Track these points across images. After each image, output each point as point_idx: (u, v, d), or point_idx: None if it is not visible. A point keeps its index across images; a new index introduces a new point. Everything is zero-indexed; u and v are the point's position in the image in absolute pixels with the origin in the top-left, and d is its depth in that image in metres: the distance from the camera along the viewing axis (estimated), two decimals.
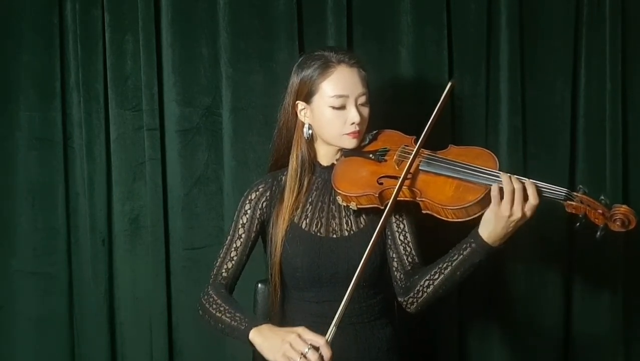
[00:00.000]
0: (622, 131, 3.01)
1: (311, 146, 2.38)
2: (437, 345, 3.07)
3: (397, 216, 2.34)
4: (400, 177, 2.15)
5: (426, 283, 2.19)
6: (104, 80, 2.98)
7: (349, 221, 2.35)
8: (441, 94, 2.26)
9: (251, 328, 2.08)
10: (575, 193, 2.03)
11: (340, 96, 2.24)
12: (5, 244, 3.05)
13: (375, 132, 2.39)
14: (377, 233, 2.09)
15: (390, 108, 2.77)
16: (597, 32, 2.99)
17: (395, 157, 2.28)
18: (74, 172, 3.05)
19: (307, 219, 2.35)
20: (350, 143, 2.30)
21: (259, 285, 2.63)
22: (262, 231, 2.41)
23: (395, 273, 2.32)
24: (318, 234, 2.34)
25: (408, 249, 2.32)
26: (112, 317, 3.09)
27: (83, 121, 2.98)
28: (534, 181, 2.06)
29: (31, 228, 3.05)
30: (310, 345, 1.97)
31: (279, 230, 2.34)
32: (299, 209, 2.36)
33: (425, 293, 2.20)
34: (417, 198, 2.16)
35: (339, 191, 2.26)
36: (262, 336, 2.06)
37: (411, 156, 2.19)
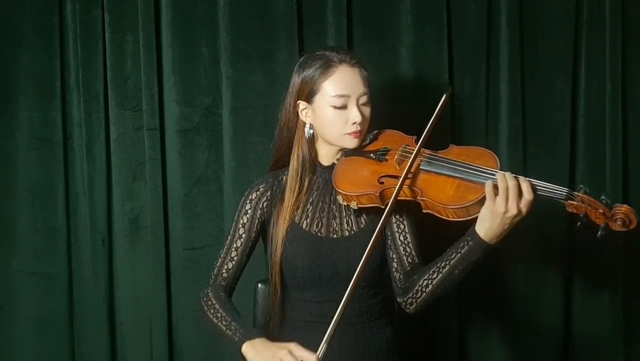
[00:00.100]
0: (622, 131, 3.01)
1: (312, 145, 2.38)
2: (437, 345, 3.06)
3: (398, 217, 2.34)
4: (401, 176, 2.15)
5: (425, 283, 2.19)
6: (104, 80, 2.98)
7: (350, 221, 2.35)
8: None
9: (244, 341, 2.10)
10: (576, 193, 2.03)
11: (342, 96, 2.24)
12: (5, 244, 3.05)
13: (376, 132, 2.39)
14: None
15: (390, 108, 2.77)
16: (597, 32, 2.99)
17: (396, 156, 2.28)
18: (74, 172, 3.06)
19: (308, 219, 2.35)
20: (352, 143, 2.30)
21: (259, 285, 2.63)
22: (262, 231, 2.41)
23: (395, 273, 2.32)
24: (319, 234, 2.34)
25: (408, 249, 2.32)
26: (112, 317, 3.09)
27: (83, 121, 2.98)
28: (534, 180, 2.06)
29: (31, 228, 3.05)
30: None
31: (279, 230, 2.34)
32: (300, 209, 2.36)
33: (424, 293, 2.20)
34: (418, 198, 2.16)
35: (339, 190, 2.25)
36: (254, 350, 2.07)
37: (412, 156, 2.19)
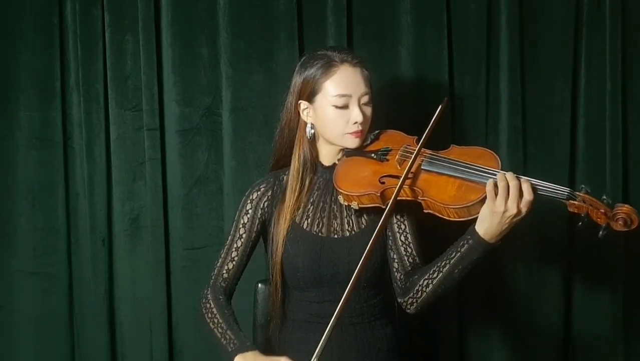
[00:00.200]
0: (622, 131, 3.01)
1: (313, 145, 2.38)
2: (437, 345, 3.07)
3: (399, 217, 2.34)
4: (402, 176, 2.15)
5: (425, 283, 2.19)
6: (104, 80, 2.98)
7: (351, 221, 2.35)
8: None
9: (237, 353, 2.12)
10: (577, 193, 2.03)
11: (343, 95, 2.24)
12: (5, 244, 3.05)
13: (377, 132, 2.39)
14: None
15: (390, 108, 2.75)
16: (597, 32, 2.99)
17: (397, 156, 2.28)
18: (74, 172, 3.05)
19: (309, 219, 2.35)
20: (353, 143, 2.30)
21: (259, 285, 2.63)
22: (263, 231, 2.41)
23: (396, 273, 2.32)
24: (319, 234, 2.34)
25: (409, 250, 2.32)
26: (112, 317, 3.08)
27: (83, 121, 2.98)
28: (536, 180, 2.06)
29: (31, 228, 3.04)
30: None
31: (280, 230, 2.34)
32: (301, 209, 2.36)
33: (425, 293, 2.20)
34: (419, 197, 2.16)
35: (340, 190, 2.25)
36: None
37: (413, 156, 2.19)
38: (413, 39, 2.96)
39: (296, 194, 2.35)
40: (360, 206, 2.24)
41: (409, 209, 2.31)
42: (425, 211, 2.17)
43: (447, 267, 2.15)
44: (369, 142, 2.36)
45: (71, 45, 2.98)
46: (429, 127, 2.23)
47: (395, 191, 2.13)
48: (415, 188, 2.18)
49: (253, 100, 2.96)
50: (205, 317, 2.28)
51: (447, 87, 2.96)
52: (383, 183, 2.22)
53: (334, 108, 2.26)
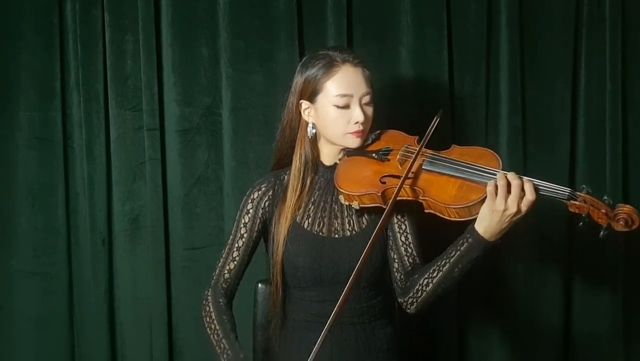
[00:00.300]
0: (622, 131, 3.01)
1: (314, 145, 2.38)
2: (437, 344, 3.07)
3: (399, 217, 2.34)
4: (403, 176, 2.15)
5: (425, 282, 2.20)
6: (104, 80, 2.98)
7: (351, 221, 2.35)
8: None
9: None
10: (578, 193, 2.03)
11: (345, 95, 2.25)
12: (5, 244, 3.05)
13: (378, 132, 2.39)
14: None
15: (390, 108, 2.75)
16: (597, 32, 2.99)
17: (398, 156, 2.28)
18: (74, 172, 3.05)
19: (309, 219, 2.35)
20: (354, 142, 2.30)
21: (259, 285, 2.62)
22: (264, 230, 2.41)
23: (396, 273, 2.32)
24: (320, 233, 2.34)
25: (409, 250, 2.33)
26: (112, 317, 3.08)
27: (83, 121, 2.98)
28: (537, 180, 2.06)
29: (31, 228, 3.04)
30: None
31: (281, 229, 2.33)
32: (301, 209, 2.36)
33: (425, 292, 2.20)
34: (420, 197, 2.16)
35: (341, 190, 2.26)
36: None
37: (414, 156, 2.19)
38: (413, 39, 2.96)
39: (297, 193, 2.35)
40: (361, 205, 2.24)
41: (410, 209, 2.31)
42: (426, 211, 2.17)
43: (447, 266, 2.15)
44: (370, 142, 2.36)
45: (71, 45, 2.98)
46: (428, 129, 2.25)
47: (396, 191, 2.13)
48: (416, 188, 2.18)
49: (253, 100, 2.96)
50: (204, 320, 2.30)
51: (447, 87, 2.96)
52: (384, 182, 2.22)
53: (335, 108, 2.26)
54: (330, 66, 2.26)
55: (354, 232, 2.34)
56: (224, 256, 2.39)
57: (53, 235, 3.06)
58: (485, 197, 2.04)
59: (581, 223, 2.01)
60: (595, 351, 3.10)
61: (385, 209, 2.15)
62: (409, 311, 2.28)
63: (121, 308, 3.08)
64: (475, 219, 2.09)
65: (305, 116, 2.34)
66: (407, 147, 2.30)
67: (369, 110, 2.30)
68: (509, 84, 2.96)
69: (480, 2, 2.97)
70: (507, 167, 2.14)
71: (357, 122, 2.26)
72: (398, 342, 2.43)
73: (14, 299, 3.07)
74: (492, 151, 2.24)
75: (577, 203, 2.02)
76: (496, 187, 2.03)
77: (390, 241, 2.35)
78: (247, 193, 2.42)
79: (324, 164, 2.40)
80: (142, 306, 3.06)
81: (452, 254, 2.14)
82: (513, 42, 2.96)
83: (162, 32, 2.96)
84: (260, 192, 2.40)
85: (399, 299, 2.30)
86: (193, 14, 2.96)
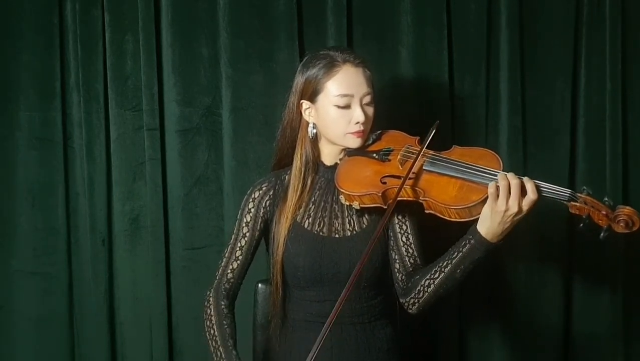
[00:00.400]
0: (622, 131, 3.01)
1: (315, 145, 2.38)
2: (437, 344, 3.07)
3: (400, 217, 2.34)
4: (403, 176, 2.15)
5: (427, 283, 2.20)
6: (104, 80, 2.98)
7: (352, 221, 2.35)
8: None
9: None
10: (579, 194, 2.03)
11: (345, 95, 2.25)
12: (5, 244, 3.05)
13: (379, 132, 2.39)
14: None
15: (390, 108, 2.75)
16: (597, 32, 2.99)
17: (398, 157, 2.28)
18: (74, 172, 3.05)
19: (310, 219, 2.35)
20: (355, 142, 2.30)
21: (260, 285, 2.63)
22: (266, 229, 2.41)
23: (397, 274, 2.33)
24: (320, 233, 2.34)
25: (410, 250, 2.33)
26: (112, 317, 3.08)
27: (83, 121, 2.98)
28: (537, 181, 2.06)
29: (31, 228, 3.04)
30: None
31: (281, 229, 2.34)
32: (302, 209, 2.36)
33: (426, 293, 2.21)
34: (421, 198, 2.16)
35: (342, 190, 2.26)
36: None
37: (415, 156, 2.19)
38: (413, 39, 2.96)
39: (298, 193, 2.35)
40: (361, 206, 2.24)
41: (411, 209, 2.31)
42: (427, 211, 2.17)
43: (449, 267, 2.16)
44: (370, 142, 2.36)
45: (71, 45, 2.98)
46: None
47: (397, 192, 2.13)
48: (416, 189, 2.18)
49: (253, 100, 2.96)
50: (204, 322, 2.30)
51: (447, 87, 2.96)
52: (384, 183, 2.22)
53: (335, 108, 2.26)
54: (331, 66, 2.26)
55: (354, 232, 2.34)
56: (226, 256, 2.39)
57: (53, 235, 3.05)
58: (486, 198, 2.05)
59: (581, 225, 2.02)
60: (595, 351, 3.10)
61: (385, 209, 2.15)
62: (410, 311, 2.29)
63: (121, 308, 3.08)
64: (475, 219, 2.10)
65: (306, 116, 2.34)
66: (408, 148, 2.30)
67: (370, 110, 2.30)
68: (509, 84, 2.96)
69: (480, 2, 2.97)
70: (507, 168, 2.14)
71: (357, 123, 2.26)
72: (398, 342, 2.43)
73: (14, 299, 3.07)
74: (492, 152, 2.24)
75: (577, 204, 2.02)
76: (497, 188, 2.03)
77: (391, 242, 2.35)
78: (248, 192, 2.42)
79: (324, 164, 2.40)
80: (142, 306, 3.06)
81: (454, 256, 2.14)
82: (513, 42, 2.95)
83: (162, 32, 2.96)
84: (261, 191, 2.40)
85: (401, 300, 2.30)
86: (193, 14, 2.96)
